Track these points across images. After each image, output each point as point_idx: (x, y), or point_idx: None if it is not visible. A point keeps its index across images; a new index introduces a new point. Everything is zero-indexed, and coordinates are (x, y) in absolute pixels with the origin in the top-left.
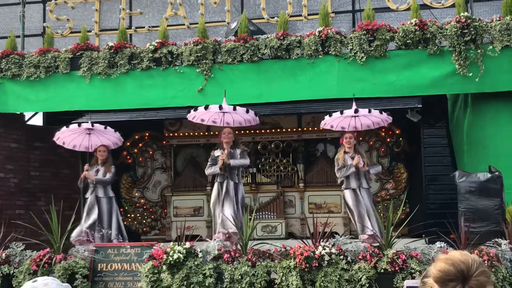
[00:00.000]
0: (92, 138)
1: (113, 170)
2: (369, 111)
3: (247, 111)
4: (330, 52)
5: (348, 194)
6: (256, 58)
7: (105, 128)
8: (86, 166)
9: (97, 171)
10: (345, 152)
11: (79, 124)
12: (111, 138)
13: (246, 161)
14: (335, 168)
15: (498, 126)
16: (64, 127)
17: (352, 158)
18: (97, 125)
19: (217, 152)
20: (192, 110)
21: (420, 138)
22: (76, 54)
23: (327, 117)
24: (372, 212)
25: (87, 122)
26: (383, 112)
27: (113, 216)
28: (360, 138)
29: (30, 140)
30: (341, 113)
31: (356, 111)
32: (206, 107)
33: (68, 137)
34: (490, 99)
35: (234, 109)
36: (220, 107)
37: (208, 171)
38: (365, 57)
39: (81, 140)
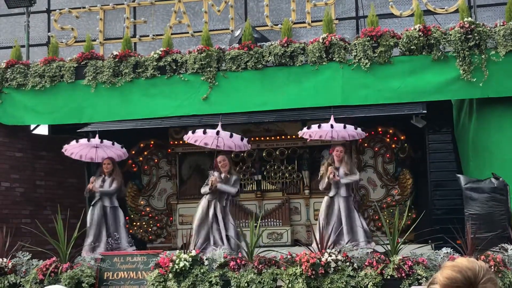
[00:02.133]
0: (99, 151)
1: (119, 181)
2: (344, 127)
3: (241, 139)
4: (334, 58)
5: (323, 202)
6: (260, 65)
7: (113, 144)
8: (92, 179)
9: (104, 181)
10: (330, 164)
11: (89, 139)
12: (117, 152)
13: (233, 190)
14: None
15: (504, 132)
16: (74, 141)
17: (337, 168)
18: (105, 141)
19: (215, 173)
20: (190, 132)
21: (425, 144)
22: (81, 63)
23: (305, 129)
24: (348, 221)
25: (95, 137)
26: (357, 128)
27: (120, 225)
28: (366, 145)
29: (35, 149)
30: (319, 127)
31: (332, 126)
32: (205, 132)
33: (76, 149)
34: (495, 104)
35: (231, 136)
36: (218, 133)
37: (202, 190)
38: (369, 64)
39: (87, 152)
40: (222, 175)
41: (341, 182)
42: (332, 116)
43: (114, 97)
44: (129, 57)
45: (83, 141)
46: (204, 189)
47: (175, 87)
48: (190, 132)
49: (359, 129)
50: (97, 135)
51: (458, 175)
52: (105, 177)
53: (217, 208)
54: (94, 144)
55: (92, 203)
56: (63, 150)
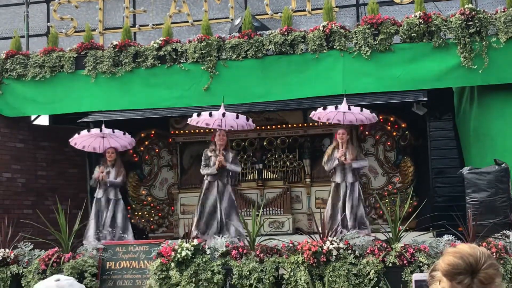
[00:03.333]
0: (104, 140)
1: (124, 173)
2: (349, 108)
3: (247, 119)
4: (334, 46)
5: (331, 189)
6: (260, 54)
7: (124, 134)
8: (102, 168)
9: (108, 172)
10: (336, 147)
11: (101, 129)
12: (121, 141)
13: (238, 168)
14: (323, 161)
15: (505, 118)
16: (85, 131)
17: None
18: (116, 131)
19: (209, 152)
20: (195, 115)
21: (427, 132)
22: (80, 53)
23: (320, 109)
24: (356, 207)
25: (102, 128)
26: (370, 112)
27: (124, 217)
28: (367, 133)
29: (36, 139)
30: (324, 108)
31: (349, 108)
32: (211, 114)
33: (82, 139)
34: (496, 91)
35: (237, 117)
36: (224, 114)
37: (204, 171)
38: (370, 51)
39: (91, 142)
40: (220, 154)
41: (352, 165)
42: (344, 99)
43: (114, 87)
44: (129, 47)
45: (95, 130)
46: (207, 171)
47: (176, 76)
48: (194, 114)
49: (370, 114)
50: (103, 125)
51: (461, 170)
52: (108, 168)
53: (220, 188)
54: (105, 134)
55: (96, 195)
56: (72, 144)
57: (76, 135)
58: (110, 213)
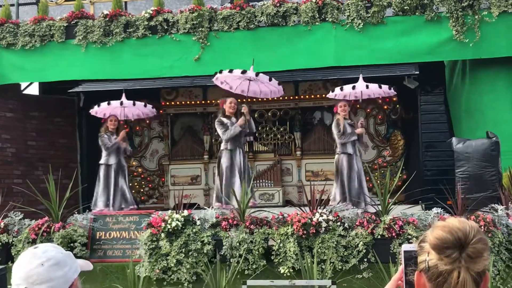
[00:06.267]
0: (132, 109)
1: (126, 140)
2: (380, 87)
3: (279, 84)
4: (327, 19)
5: (344, 159)
6: (252, 25)
7: (145, 106)
8: (123, 132)
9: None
10: (345, 118)
11: (121, 103)
12: (134, 111)
13: (254, 127)
14: (335, 133)
15: (496, 93)
16: (105, 103)
17: (350, 125)
18: (138, 103)
19: (225, 120)
20: (226, 71)
21: (417, 105)
22: (71, 22)
23: (337, 89)
24: (363, 178)
25: (122, 98)
26: (382, 86)
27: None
28: (358, 106)
29: (26, 109)
30: (353, 88)
31: (367, 86)
32: (244, 72)
33: (107, 110)
34: (487, 65)
35: (270, 79)
36: (257, 74)
37: (229, 133)
38: (362, 24)
39: (112, 110)
40: (233, 119)
41: (363, 137)
42: (361, 76)
43: (105, 57)
44: (119, 17)
45: (114, 103)
46: (231, 132)
47: (167, 47)
48: (226, 71)
49: (388, 89)
50: (123, 94)
51: (451, 139)
52: (108, 134)
53: (240, 156)
54: (125, 105)
55: (107, 162)
56: (93, 113)
57: (96, 107)
58: (122, 180)
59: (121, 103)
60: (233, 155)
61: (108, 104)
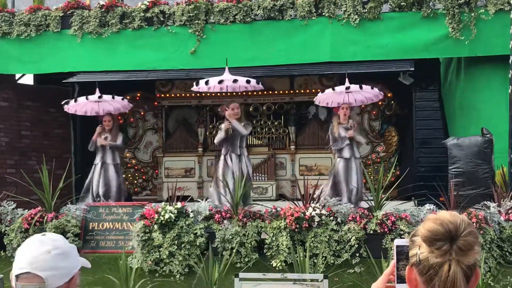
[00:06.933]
0: (97, 105)
1: (121, 135)
2: (360, 87)
3: (248, 81)
4: (323, 13)
5: (341, 164)
6: (249, 19)
7: (113, 97)
8: (98, 128)
9: (106, 138)
10: (339, 123)
11: (87, 97)
12: (115, 104)
13: (243, 130)
14: (330, 139)
15: (491, 90)
16: (72, 101)
17: (346, 129)
18: (104, 96)
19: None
20: (202, 82)
21: (412, 101)
22: (67, 12)
23: (320, 94)
24: (360, 180)
25: (95, 92)
26: (374, 87)
27: (117, 182)
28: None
29: (20, 99)
30: (333, 89)
31: (347, 88)
32: (221, 82)
33: (81, 106)
34: (483, 63)
35: (248, 82)
36: (235, 81)
37: (216, 139)
38: (358, 19)
39: (83, 106)
40: (229, 122)
41: (358, 139)
42: (347, 78)
43: (100, 47)
44: (116, 8)
45: (82, 99)
46: (219, 136)
47: (163, 39)
48: (202, 81)
49: (376, 90)
50: (97, 89)
51: (445, 141)
52: (106, 134)
53: (232, 160)
54: (94, 100)
55: (95, 161)
56: (65, 109)
57: (73, 102)
58: (109, 179)
59: (100, 97)
60: (226, 160)
61: (86, 98)
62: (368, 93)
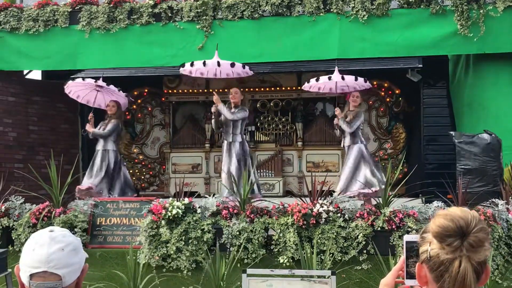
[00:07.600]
0: (99, 95)
1: (114, 124)
2: (342, 78)
3: (243, 67)
4: (331, 10)
5: (354, 150)
6: (256, 15)
7: (119, 90)
8: (90, 115)
9: (106, 124)
10: (349, 110)
11: (96, 80)
12: (120, 99)
13: (227, 113)
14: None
15: (499, 88)
16: (80, 79)
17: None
18: (111, 86)
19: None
20: (188, 64)
21: (420, 98)
22: (75, 8)
23: (312, 81)
24: (361, 166)
25: (100, 78)
26: (358, 78)
27: (104, 169)
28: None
29: (28, 94)
30: (329, 78)
31: (342, 78)
32: (204, 63)
33: (77, 88)
34: (491, 60)
35: (232, 65)
36: (218, 63)
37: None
38: (367, 16)
39: (86, 94)
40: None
41: (342, 127)
42: (336, 68)
43: (108, 43)
44: (124, 3)
45: (89, 80)
46: (212, 121)
47: (170, 35)
48: (187, 64)
49: (364, 82)
50: (101, 78)
51: (451, 132)
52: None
53: (224, 147)
54: (98, 85)
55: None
56: (67, 91)
57: (70, 81)
58: (95, 164)
59: (96, 80)
60: (223, 147)
61: (83, 79)
62: (352, 82)
